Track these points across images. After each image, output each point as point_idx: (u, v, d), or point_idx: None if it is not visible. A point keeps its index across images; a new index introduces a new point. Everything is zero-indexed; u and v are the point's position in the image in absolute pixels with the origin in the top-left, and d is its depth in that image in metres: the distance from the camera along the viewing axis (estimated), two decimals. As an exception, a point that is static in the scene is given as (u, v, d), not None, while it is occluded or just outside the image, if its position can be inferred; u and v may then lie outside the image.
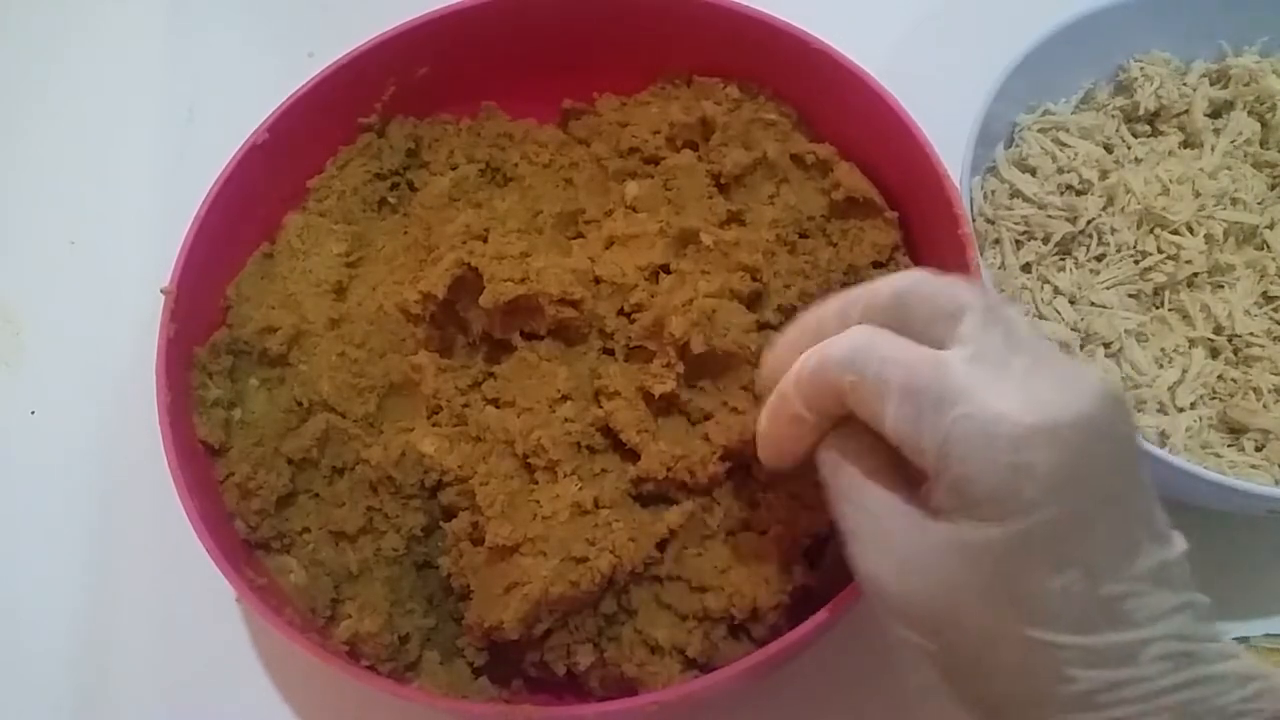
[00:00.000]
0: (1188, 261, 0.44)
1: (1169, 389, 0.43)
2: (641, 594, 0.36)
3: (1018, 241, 0.47)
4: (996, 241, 0.47)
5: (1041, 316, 0.45)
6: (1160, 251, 0.45)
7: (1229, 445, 0.42)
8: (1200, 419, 0.42)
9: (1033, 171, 0.48)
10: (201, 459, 0.40)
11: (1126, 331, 0.44)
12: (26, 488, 0.49)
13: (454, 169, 0.47)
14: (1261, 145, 0.49)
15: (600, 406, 0.38)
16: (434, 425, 0.39)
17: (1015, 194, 0.47)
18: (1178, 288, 0.45)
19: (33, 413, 0.51)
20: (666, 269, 0.41)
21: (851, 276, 0.43)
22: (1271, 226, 0.46)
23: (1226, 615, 0.43)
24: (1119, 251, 0.45)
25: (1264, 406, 0.42)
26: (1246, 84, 0.49)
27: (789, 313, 0.41)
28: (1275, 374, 0.43)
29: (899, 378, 0.26)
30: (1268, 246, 0.46)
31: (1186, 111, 0.49)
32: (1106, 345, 0.44)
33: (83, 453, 0.50)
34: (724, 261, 0.40)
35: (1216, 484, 0.38)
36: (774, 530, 0.36)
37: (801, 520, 0.36)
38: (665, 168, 0.45)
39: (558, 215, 0.44)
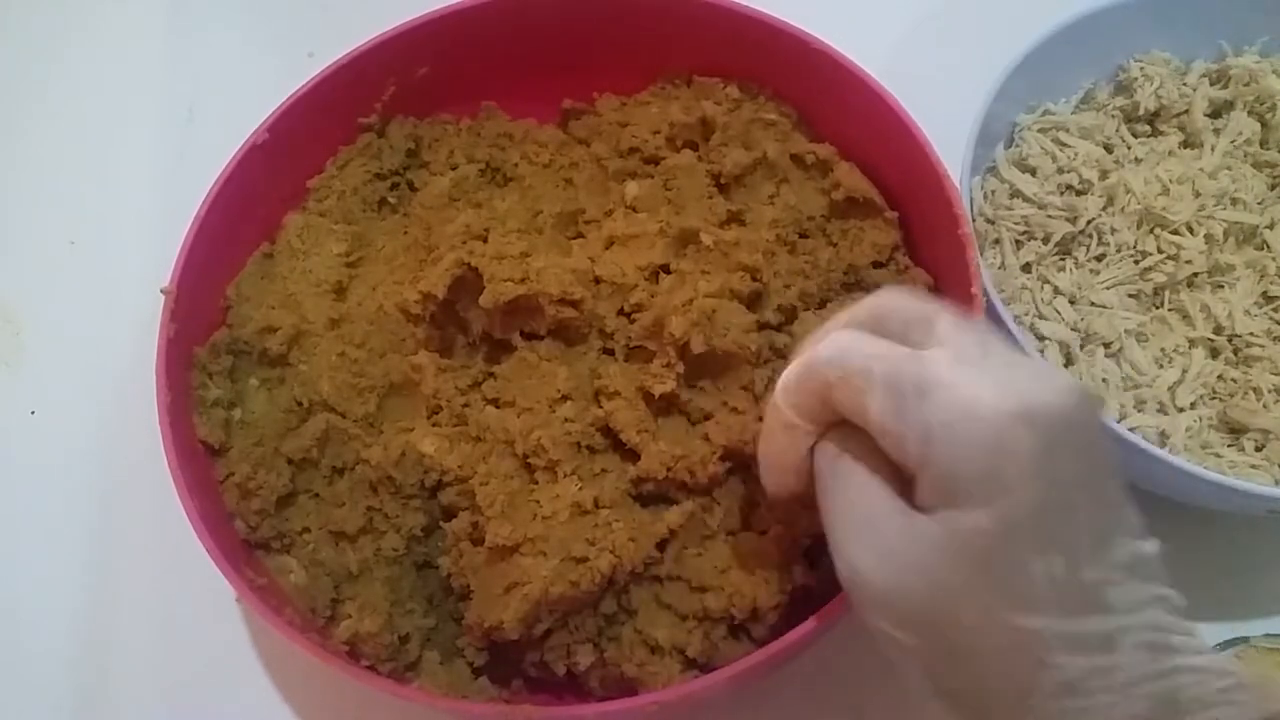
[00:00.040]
0: (1188, 261, 0.44)
1: (1169, 389, 0.43)
2: (641, 594, 0.36)
3: (1018, 241, 0.47)
4: (996, 241, 0.47)
5: (1041, 316, 0.45)
6: (1160, 251, 0.45)
7: (1229, 445, 0.42)
8: (1200, 419, 0.42)
9: (1033, 171, 0.48)
10: (201, 459, 0.40)
11: (1126, 331, 0.44)
12: (26, 488, 0.49)
13: (454, 169, 0.47)
14: (1261, 145, 0.49)
15: (600, 406, 0.38)
16: (434, 425, 0.39)
17: (1015, 194, 0.47)
18: (1178, 288, 0.45)
19: (33, 413, 0.51)
20: (666, 269, 0.41)
21: (851, 276, 0.43)
22: (1271, 226, 0.46)
23: (1226, 615, 0.43)
24: (1119, 251, 0.45)
25: (1264, 406, 0.42)
26: (1246, 84, 0.49)
27: (789, 313, 0.41)
28: (1275, 374, 0.43)
29: (880, 370, 0.27)
30: (1268, 246, 0.46)
31: (1186, 111, 0.49)
32: (1106, 345, 0.44)
33: (83, 453, 0.50)
34: (724, 261, 0.40)
35: (1216, 484, 0.38)
36: (774, 530, 0.36)
37: (801, 520, 0.36)
38: (665, 168, 0.45)
39: (558, 215, 0.44)
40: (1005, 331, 0.41)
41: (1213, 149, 0.48)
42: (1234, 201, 0.46)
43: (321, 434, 0.39)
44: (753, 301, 0.40)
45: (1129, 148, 0.49)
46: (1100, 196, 0.46)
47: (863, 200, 0.43)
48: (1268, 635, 0.40)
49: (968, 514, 0.25)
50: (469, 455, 0.38)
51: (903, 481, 0.28)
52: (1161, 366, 0.43)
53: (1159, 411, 0.42)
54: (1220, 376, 0.43)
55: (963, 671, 0.26)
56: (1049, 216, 0.46)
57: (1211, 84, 0.50)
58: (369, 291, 0.43)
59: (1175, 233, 0.45)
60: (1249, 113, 0.49)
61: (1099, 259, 0.46)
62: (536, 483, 0.37)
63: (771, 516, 0.37)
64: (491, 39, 0.48)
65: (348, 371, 0.41)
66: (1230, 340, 0.44)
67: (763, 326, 0.40)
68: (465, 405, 0.40)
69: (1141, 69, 0.50)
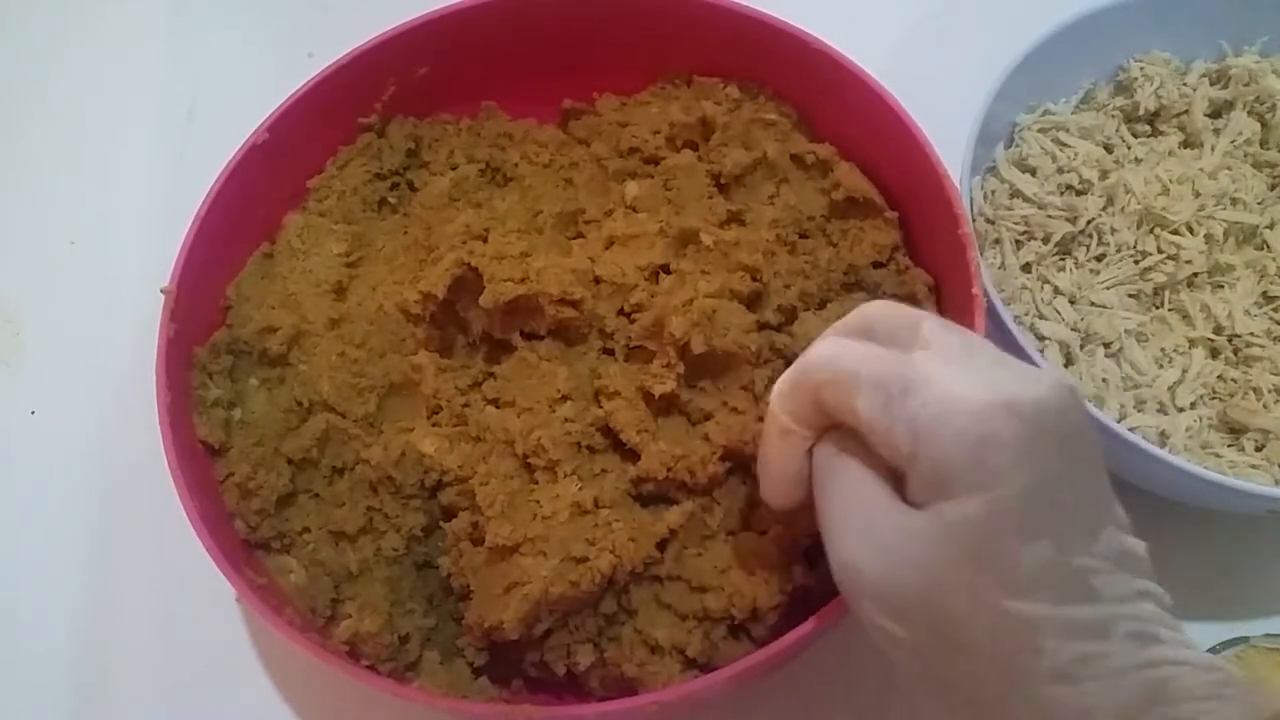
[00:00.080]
0: (1188, 261, 0.44)
1: (1169, 389, 0.43)
2: (641, 594, 0.36)
3: (1018, 241, 0.47)
4: (996, 241, 0.47)
5: (1041, 316, 0.45)
6: (1160, 251, 0.45)
7: (1229, 445, 0.42)
8: (1200, 419, 0.42)
9: (1033, 171, 0.48)
10: (201, 459, 0.40)
11: (1126, 331, 0.44)
12: (26, 488, 0.49)
13: (454, 169, 0.47)
14: (1261, 145, 0.49)
15: (600, 406, 0.38)
16: (434, 425, 0.39)
17: (1015, 194, 0.47)
18: (1178, 288, 0.45)
19: (33, 413, 0.51)
20: (666, 269, 0.41)
21: (851, 276, 0.43)
22: (1271, 226, 0.46)
23: (1226, 615, 0.43)
24: (1119, 251, 0.45)
25: (1264, 406, 0.42)
26: (1246, 84, 0.49)
27: (789, 313, 0.41)
28: (1275, 374, 0.43)
29: (868, 370, 0.27)
30: (1268, 246, 0.46)
31: (1186, 111, 0.49)
32: (1106, 345, 0.44)
33: (83, 453, 0.50)
34: (724, 261, 0.40)
35: (1216, 484, 0.38)
36: (774, 530, 0.36)
37: (801, 520, 0.36)
38: (665, 168, 0.45)
39: (558, 215, 0.44)
40: (1005, 331, 0.41)
41: (1213, 149, 0.48)
42: (1234, 201, 0.46)
43: (321, 434, 0.39)
44: (753, 302, 0.40)
45: (1129, 148, 0.49)
46: (1100, 196, 0.46)
47: (863, 200, 0.43)
48: (1268, 635, 0.40)
49: (957, 504, 0.26)
50: (469, 455, 0.38)
51: (896, 480, 0.28)
52: (1161, 366, 0.43)
53: (1159, 411, 0.42)
54: (1220, 376, 0.43)
55: (956, 661, 0.26)
56: (1049, 216, 0.46)
57: (1211, 84, 0.50)
58: (369, 291, 0.43)
59: (1175, 233, 0.45)
60: (1249, 113, 0.49)
61: (1099, 259, 0.46)
62: (536, 483, 0.37)
63: (771, 517, 0.37)
64: (491, 39, 0.48)
65: (348, 371, 0.41)
66: (1230, 340, 0.44)
67: (763, 326, 0.40)
68: (465, 405, 0.40)
69: (1141, 69, 0.50)
